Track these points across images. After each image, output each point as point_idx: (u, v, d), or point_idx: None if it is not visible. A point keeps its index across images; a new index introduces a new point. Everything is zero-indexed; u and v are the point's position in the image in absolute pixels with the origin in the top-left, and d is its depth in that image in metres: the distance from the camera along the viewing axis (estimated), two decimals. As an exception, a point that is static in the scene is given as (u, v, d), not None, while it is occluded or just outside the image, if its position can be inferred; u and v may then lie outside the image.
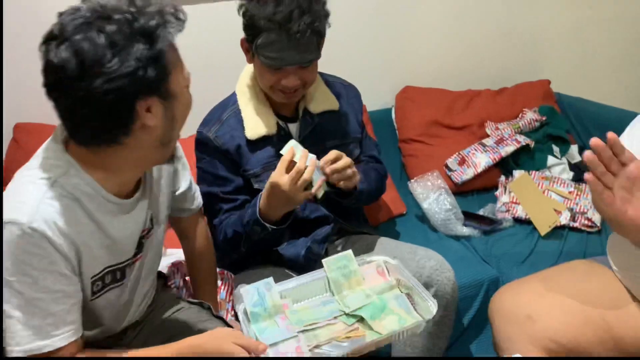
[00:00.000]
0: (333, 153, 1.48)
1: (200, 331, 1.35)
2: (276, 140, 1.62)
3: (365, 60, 2.52)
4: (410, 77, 2.59)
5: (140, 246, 1.25)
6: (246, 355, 1.10)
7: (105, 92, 0.96)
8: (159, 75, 1.00)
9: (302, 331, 1.24)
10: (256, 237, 1.57)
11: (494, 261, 1.92)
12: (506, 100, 2.59)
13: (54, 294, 1.06)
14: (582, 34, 2.89)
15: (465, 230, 2.05)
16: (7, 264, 1.02)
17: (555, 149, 2.41)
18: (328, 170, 1.46)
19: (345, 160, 1.48)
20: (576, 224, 2.06)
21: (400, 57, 2.60)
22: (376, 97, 2.56)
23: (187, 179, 1.42)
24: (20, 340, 1.04)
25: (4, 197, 1.05)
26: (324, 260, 1.35)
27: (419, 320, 1.28)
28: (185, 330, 1.38)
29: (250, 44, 1.50)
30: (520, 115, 2.51)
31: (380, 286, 1.36)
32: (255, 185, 1.63)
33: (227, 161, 1.62)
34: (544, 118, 2.47)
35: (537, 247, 1.99)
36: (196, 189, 1.48)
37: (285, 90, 1.53)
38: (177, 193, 1.40)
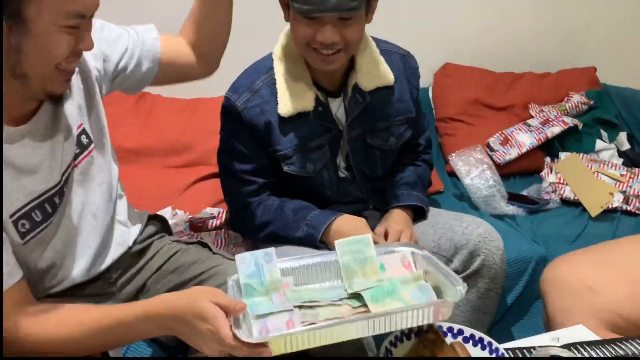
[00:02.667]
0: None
1: (199, 275, 1.24)
2: (312, 117, 1.43)
3: (404, 35, 2.40)
4: (450, 56, 2.49)
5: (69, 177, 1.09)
6: (221, 315, 0.89)
7: None
8: None
9: (299, 307, 1.01)
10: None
11: (542, 240, 1.79)
12: (551, 84, 2.47)
13: None
14: (632, 24, 2.76)
15: (510, 209, 1.91)
16: None
17: (604, 133, 2.28)
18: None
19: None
20: (630, 207, 1.93)
21: (440, 34, 2.49)
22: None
23: (117, 54, 1.21)
24: None
25: None
26: (337, 242, 1.12)
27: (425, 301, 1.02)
28: (185, 272, 1.26)
29: None
30: (566, 99, 2.38)
31: (401, 277, 1.09)
32: (285, 168, 1.46)
33: (252, 138, 1.44)
34: (591, 102, 2.34)
35: (587, 228, 1.86)
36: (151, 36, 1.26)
37: (321, 49, 1.32)
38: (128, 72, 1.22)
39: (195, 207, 1.81)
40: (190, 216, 1.77)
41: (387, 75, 1.49)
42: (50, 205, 1.05)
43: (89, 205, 1.14)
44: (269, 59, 1.48)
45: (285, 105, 1.41)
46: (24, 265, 1.00)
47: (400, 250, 1.14)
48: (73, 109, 1.11)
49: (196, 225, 1.75)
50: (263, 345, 0.88)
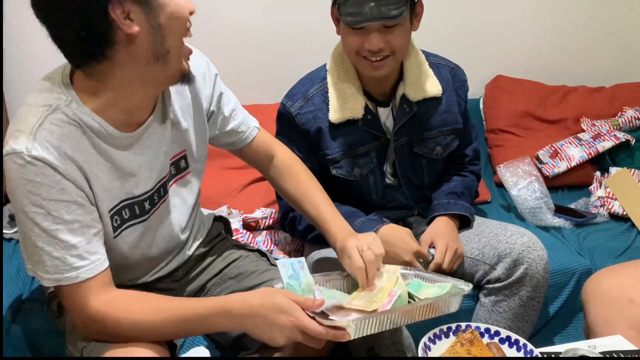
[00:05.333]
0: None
1: (257, 286, 1.32)
2: (361, 124, 1.53)
3: (456, 47, 2.45)
4: (502, 68, 2.51)
5: (164, 189, 1.21)
6: (299, 308, 1.01)
7: None
8: None
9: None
10: None
11: (587, 253, 1.79)
12: (604, 99, 2.46)
13: (70, 225, 1.01)
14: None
15: (556, 221, 1.93)
16: (17, 196, 0.99)
17: (658, 149, 2.25)
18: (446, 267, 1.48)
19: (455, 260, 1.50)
20: (680, 224, 1.91)
21: (492, 46, 2.52)
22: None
23: (230, 103, 1.34)
24: (48, 269, 1.02)
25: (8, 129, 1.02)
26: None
27: (463, 286, 1.17)
28: (244, 280, 1.36)
29: (336, 9, 1.42)
30: (619, 113, 2.37)
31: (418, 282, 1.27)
32: (333, 172, 1.56)
33: (304, 142, 1.55)
34: (646, 117, 2.32)
35: (635, 243, 1.85)
36: (244, 114, 1.38)
37: (370, 56, 1.41)
38: (227, 128, 1.35)
39: (250, 207, 1.91)
40: (244, 215, 1.87)
41: (434, 86, 1.56)
42: (140, 208, 1.16)
43: (173, 219, 1.26)
44: (322, 69, 1.58)
45: (336, 113, 1.51)
46: (110, 258, 1.10)
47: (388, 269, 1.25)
48: (178, 131, 1.22)
49: (249, 225, 1.85)
50: (343, 329, 1.00)
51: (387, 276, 1.20)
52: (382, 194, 1.60)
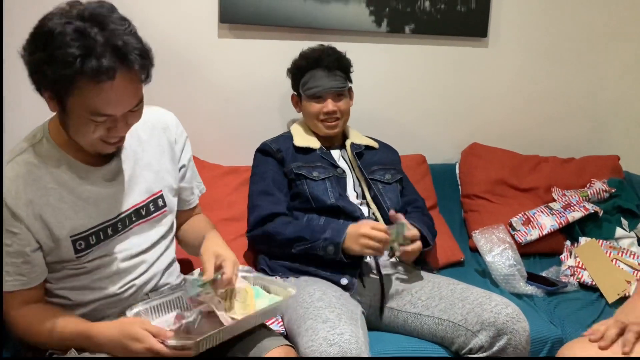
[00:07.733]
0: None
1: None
2: (318, 153, 1.98)
3: (436, 114, 2.57)
4: (477, 136, 2.62)
5: (130, 220, 1.40)
6: (151, 336, 1.21)
7: (28, 62, 1.19)
8: (56, 86, 1.16)
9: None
10: (321, 253, 1.71)
11: (558, 322, 1.83)
12: (574, 170, 2.57)
13: (7, 247, 1.25)
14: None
15: (529, 289, 1.98)
16: None
17: (624, 221, 2.35)
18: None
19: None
20: (646, 296, 1.97)
21: (470, 115, 2.64)
22: (441, 151, 2.60)
23: (190, 178, 1.59)
24: None
25: None
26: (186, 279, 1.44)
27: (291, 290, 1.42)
28: None
29: (298, 89, 2.01)
30: (588, 185, 2.47)
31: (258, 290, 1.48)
32: (295, 171, 1.91)
33: (275, 160, 1.96)
34: (613, 190, 2.43)
35: (603, 314, 1.90)
36: (196, 193, 1.66)
37: (326, 119, 1.97)
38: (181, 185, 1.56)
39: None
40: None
41: (372, 142, 2.09)
42: (104, 234, 1.36)
43: (142, 245, 1.43)
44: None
45: (299, 141, 1.99)
46: (78, 272, 1.34)
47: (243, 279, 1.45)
48: (148, 174, 1.44)
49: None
50: (188, 348, 1.21)
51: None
52: (338, 194, 1.88)
